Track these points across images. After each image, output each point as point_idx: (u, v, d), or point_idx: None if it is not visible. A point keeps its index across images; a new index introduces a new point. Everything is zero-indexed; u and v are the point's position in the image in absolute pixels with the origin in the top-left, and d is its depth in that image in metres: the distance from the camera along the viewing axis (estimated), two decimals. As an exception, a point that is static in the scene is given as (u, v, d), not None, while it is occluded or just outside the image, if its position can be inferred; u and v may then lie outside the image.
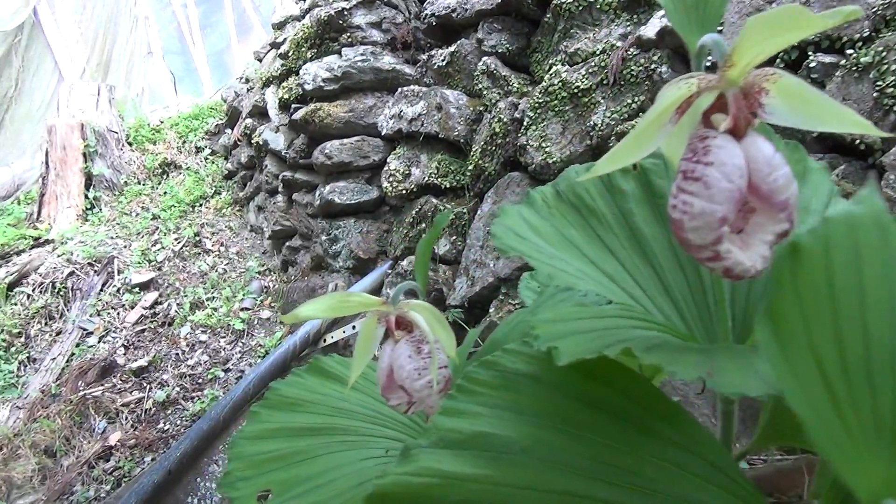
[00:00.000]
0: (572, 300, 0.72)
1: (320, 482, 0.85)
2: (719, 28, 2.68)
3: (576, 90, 3.00)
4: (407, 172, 3.96)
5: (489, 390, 0.58)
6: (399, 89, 4.12)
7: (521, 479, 0.51)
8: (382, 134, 4.27)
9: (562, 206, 0.83)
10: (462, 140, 3.71)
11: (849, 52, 2.14)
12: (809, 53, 2.26)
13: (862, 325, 0.35)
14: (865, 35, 2.13)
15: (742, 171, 0.49)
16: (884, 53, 2.02)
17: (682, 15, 0.60)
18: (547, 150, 3.11)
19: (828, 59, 2.21)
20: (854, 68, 2.09)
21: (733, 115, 0.52)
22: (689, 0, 0.59)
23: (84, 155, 6.47)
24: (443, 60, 3.92)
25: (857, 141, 2.08)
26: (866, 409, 0.38)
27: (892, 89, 1.98)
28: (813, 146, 2.30)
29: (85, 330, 4.92)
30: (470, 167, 3.59)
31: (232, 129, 6.64)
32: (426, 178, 3.82)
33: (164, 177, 6.95)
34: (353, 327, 4.00)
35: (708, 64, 0.64)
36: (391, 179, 4.03)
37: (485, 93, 3.59)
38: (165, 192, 6.60)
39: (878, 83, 2.02)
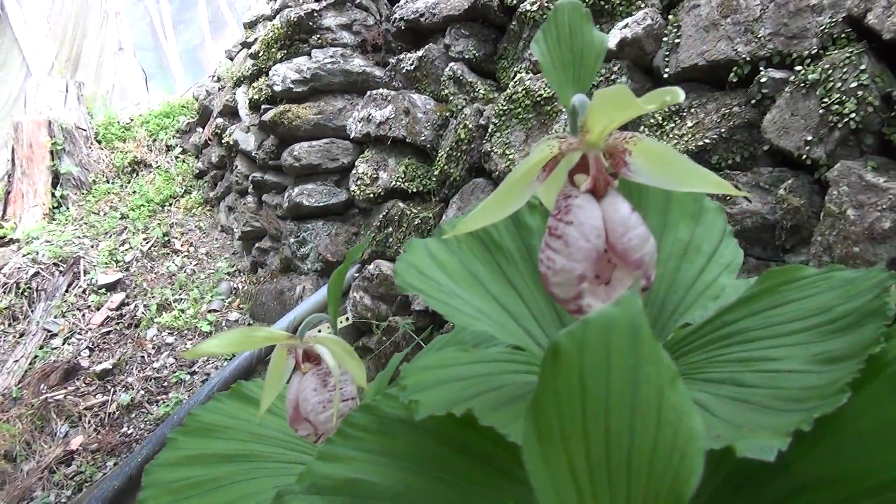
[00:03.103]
0: (472, 339, 0.74)
1: (233, 510, 0.86)
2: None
3: (539, 98, 3.03)
4: (375, 176, 3.97)
5: (367, 435, 0.59)
6: (368, 92, 4.12)
7: (387, 525, 0.52)
8: (351, 137, 4.27)
9: (471, 240, 0.84)
10: (429, 145, 3.72)
11: (797, 68, 2.18)
12: (761, 69, 2.30)
13: (605, 425, 0.36)
14: (813, 52, 2.18)
15: (599, 231, 0.51)
16: (830, 71, 2.06)
17: (559, 73, 0.61)
18: (510, 157, 3.13)
19: (778, 74, 2.25)
20: (802, 84, 2.13)
21: (593, 176, 0.53)
22: (566, 58, 0.60)
23: (51, 153, 6.37)
24: (411, 65, 3.93)
25: (804, 156, 2.12)
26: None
27: (837, 106, 2.02)
28: (764, 159, 2.34)
29: (49, 331, 4.86)
30: (436, 172, 3.60)
31: (203, 128, 6.59)
32: (393, 182, 3.83)
33: (134, 175, 6.87)
34: (320, 331, 3.99)
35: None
36: (359, 183, 4.03)
37: (451, 98, 3.61)
38: (135, 191, 6.53)
39: (825, 100, 2.06)
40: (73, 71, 8.64)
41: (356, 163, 4.15)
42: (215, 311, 5.04)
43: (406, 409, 0.59)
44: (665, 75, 2.60)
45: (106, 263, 5.48)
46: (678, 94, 0.48)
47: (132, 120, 7.51)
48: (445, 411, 0.51)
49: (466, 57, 3.58)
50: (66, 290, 5.22)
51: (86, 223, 6.06)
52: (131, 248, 5.74)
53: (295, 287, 4.49)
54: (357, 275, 4.08)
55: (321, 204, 4.37)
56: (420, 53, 3.86)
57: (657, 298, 0.71)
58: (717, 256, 0.70)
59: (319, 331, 0.88)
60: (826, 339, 0.52)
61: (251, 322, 4.90)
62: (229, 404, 1.05)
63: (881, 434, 0.47)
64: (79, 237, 5.80)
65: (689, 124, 2.47)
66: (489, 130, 3.27)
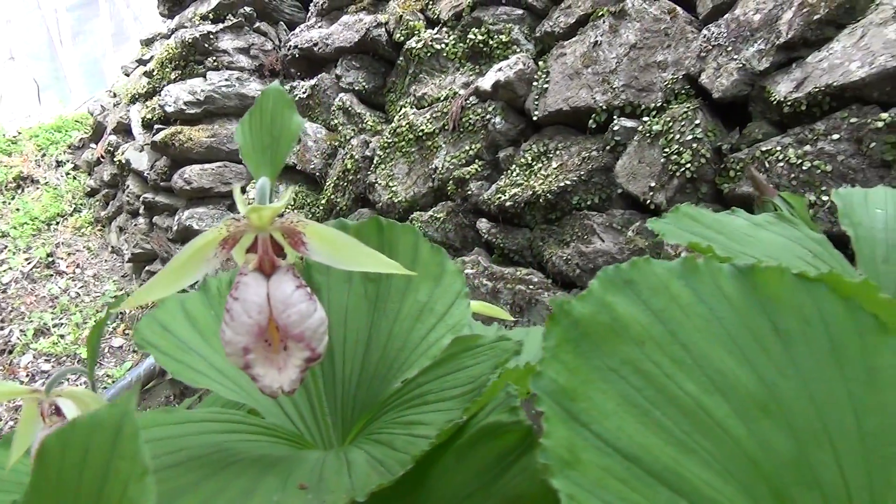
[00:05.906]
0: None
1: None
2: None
3: (421, 133, 3.10)
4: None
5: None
6: (261, 118, 4.10)
7: None
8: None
9: (232, 294, 0.87)
10: (318, 173, 3.73)
11: (645, 119, 2.34)
12: (615, 117, 2.45)
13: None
14: (658, 105, 2.34)
15: (261, 307, 0.56)
16: (671, 123, 2.22)
17: (258, 154, 0.66)
18: (393, 189, 3.19)
19: (629, 123, 2.40)
20: (648, 134, 2.28)
21: (259, 256, 0.58)
22: (265, 141, 0.65)
23: (-75, 165, 5.96)
24: (304, 93, 3.94)
25: (649, 201, 2.27)
26: None
27: (675, 156, 2.18)
28: (618, 202, 2.48)
29: None
30: (323, 201, 3.61)
31: (97, 145, 6.33)
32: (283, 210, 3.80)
33: (19, 191, 6.50)
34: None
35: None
36: (248, 209, 3.99)
37: (340, 128, 3.64)
38: (18, 209, 6.18)
39: (666, 150, 2.22)
40: (-44, 79, 8.12)
41: (246, 188, 4.10)
42: (98, 336, 4.81)
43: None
44: (535, 117, 2.72)
45: (-21, 285, 5.15)
46: (279, 210, 0.54)
47: (20, 133, 7.12)
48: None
49: (356, 88, 3.63)
50: (-68, 314, 4.86)
51: (-40, 241, 5.69)
52: (11, 268, 5.42)
53: (182, 313, 4.36)
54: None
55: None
56: (313, 82, 3.89)
57: (390, 356, 0.76)
58: (447, 317, 0.76)
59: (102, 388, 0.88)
60: (461, 408, 0.58)
61: (135, 350, 4.71)
62: (-1, 454, 1.02)
63: (448, 501, 0.52)
64: (-49, 256, 5.43)
65: (554, 165, 2.59)
66: (374, 162, 3.32)
